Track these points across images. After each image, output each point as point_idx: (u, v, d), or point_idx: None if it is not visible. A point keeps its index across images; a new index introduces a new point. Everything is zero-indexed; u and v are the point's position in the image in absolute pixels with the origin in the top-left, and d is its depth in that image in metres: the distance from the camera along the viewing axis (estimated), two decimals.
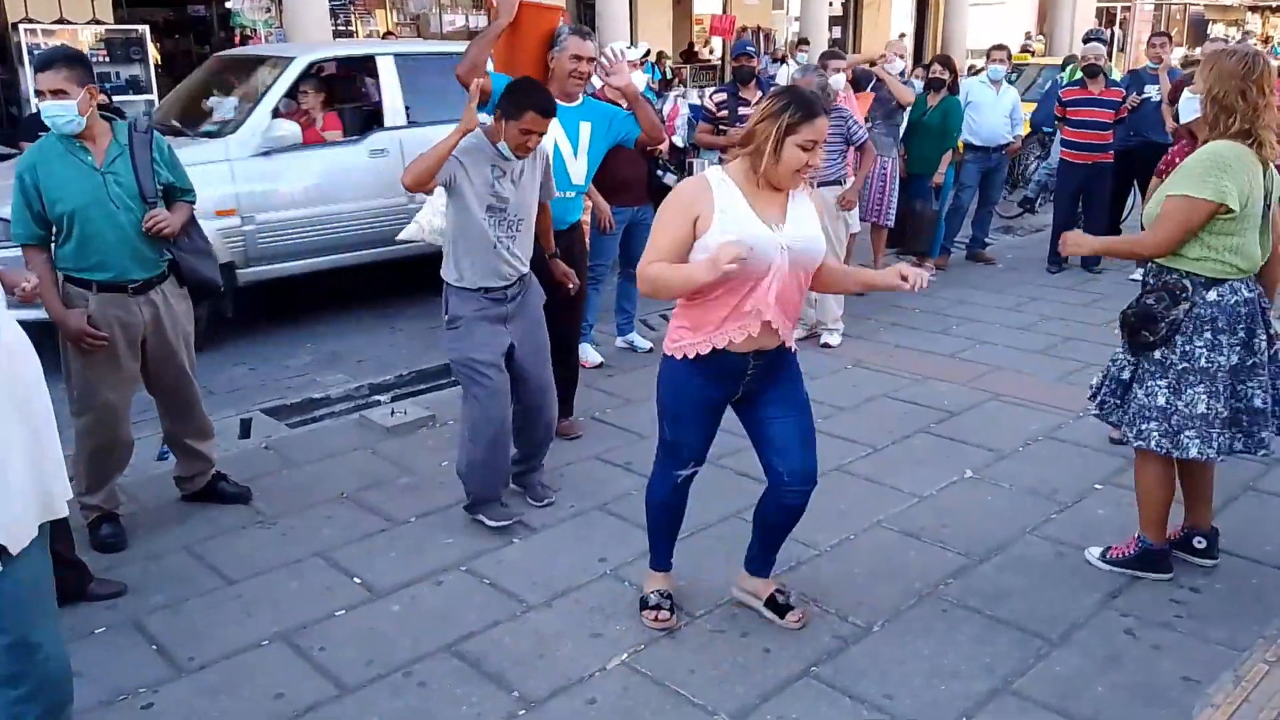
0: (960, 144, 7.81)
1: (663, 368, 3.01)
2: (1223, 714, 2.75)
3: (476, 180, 3.59)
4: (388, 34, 13.59)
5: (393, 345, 6.26)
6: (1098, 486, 4.11)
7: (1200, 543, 3.50)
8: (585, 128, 4.35)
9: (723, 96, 6.67)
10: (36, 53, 3.70)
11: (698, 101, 7.94)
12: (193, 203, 3.83)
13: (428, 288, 7.44)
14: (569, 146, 4.32)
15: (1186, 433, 3.17)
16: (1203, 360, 3.13)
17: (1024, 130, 8.73)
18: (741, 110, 6.45)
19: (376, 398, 5.33)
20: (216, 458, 4.09)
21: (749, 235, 2.71)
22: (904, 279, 2.81)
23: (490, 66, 4.17)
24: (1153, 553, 3.41)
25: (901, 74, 7.55)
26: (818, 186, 6.01)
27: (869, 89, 7.43)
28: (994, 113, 7.83)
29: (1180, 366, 3.16)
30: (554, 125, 4.14)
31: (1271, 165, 3.14)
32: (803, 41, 10.50)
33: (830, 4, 18.76)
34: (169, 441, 4.02)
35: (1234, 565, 3.52)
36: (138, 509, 3.99)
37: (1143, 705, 2.79)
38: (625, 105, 4.37)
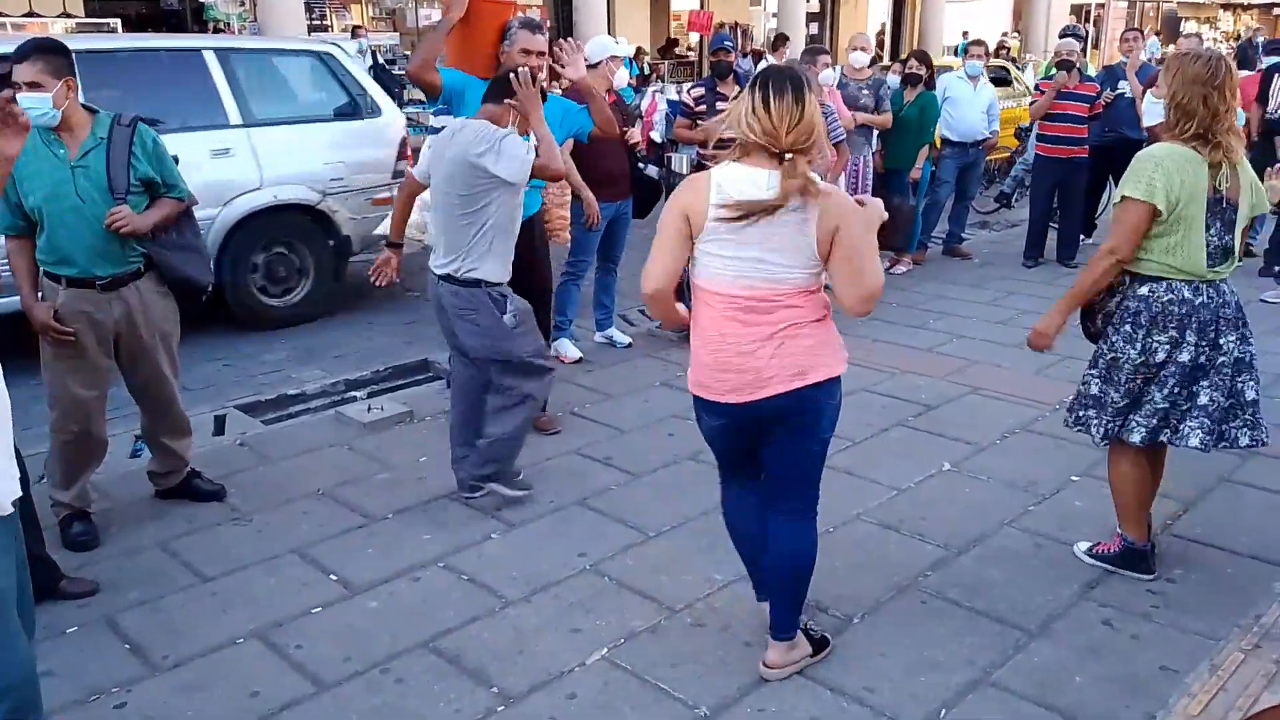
0: (937, 139, 7.83)
1: (838, 395, 2.83)
2: (1199, 703, 2.76)
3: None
4: (357, 28, 13.48)
5: (369, 341, 6.21)
6: (1075, 479, 4.13)
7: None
8: None
9: (700, 91, 6.65)
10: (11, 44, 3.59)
11: (675, 97, 7.93)
12: (181, 199, 3.69)
13: (410, 284, 7.41)
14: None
15: (1097, 419, 3.32)
16: (1117, 352, 3.25)
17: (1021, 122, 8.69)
18: (719, 105, 6.43)
19: (353, 394, 5.29)
20: (190, 455, 4.04)
21: None
22: None
23: (443, 61, 4.22)
24: (1133, 551, 3.43)
25: (875, 64, 7.51)
26: None
27: (836, 87, 7.42)
28: (971, 108, 7.86)
29: (1108, 357, 3.29)
30: None
31: (1236, 168, 3.16)
32: (781, 38, 10.43)
33: (808, 0, 18.78)
34: (145, 438, 3.97)
35: (1210, 556, 3.55)
36: (111, 505, 3.94)
37: (1121, 695, 2.81)
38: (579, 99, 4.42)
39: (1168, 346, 3.18)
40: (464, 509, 3.92)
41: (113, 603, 3.29)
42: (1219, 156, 3.10)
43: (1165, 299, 3.17)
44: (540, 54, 4.23)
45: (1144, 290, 3.21)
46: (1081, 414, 3.39)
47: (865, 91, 7.26)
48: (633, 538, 3.64)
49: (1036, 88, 8.21)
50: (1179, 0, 30.79)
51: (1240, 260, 3.31)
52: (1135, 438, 3.27)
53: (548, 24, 14.90)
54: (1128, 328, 3.23)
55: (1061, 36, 8.32)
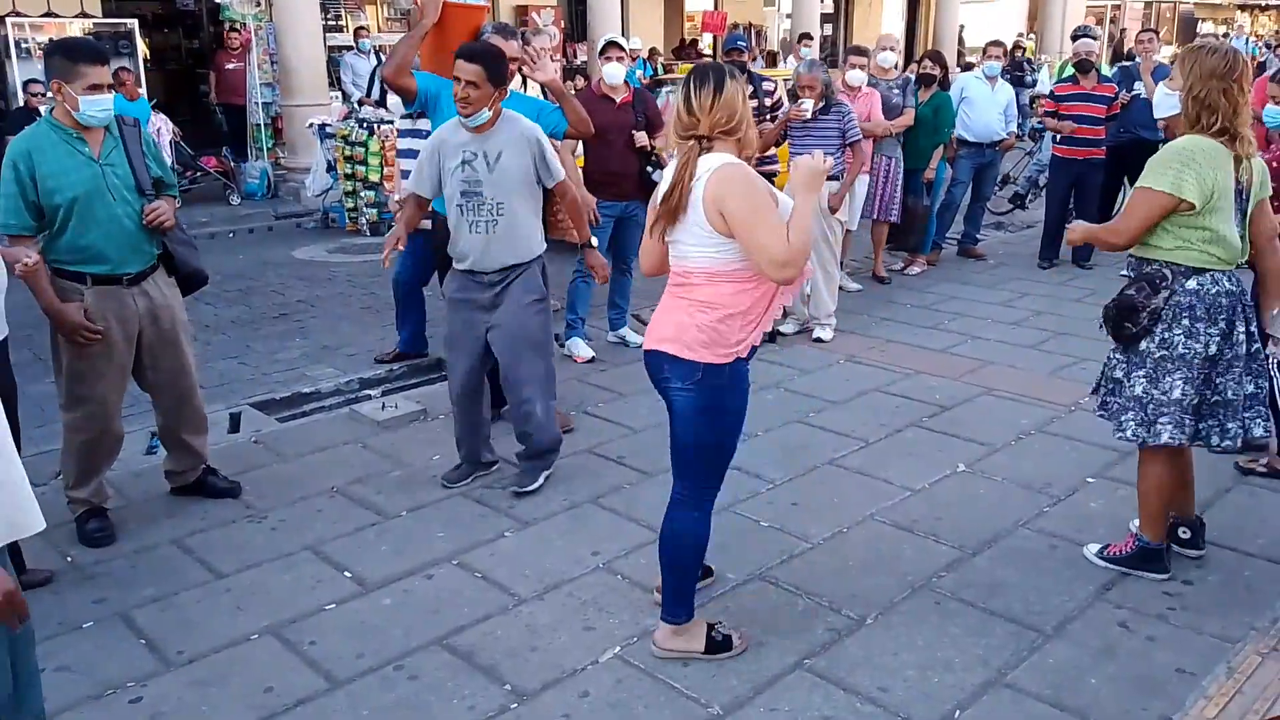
0: (953, 139, 7.80)
1: (730, 381, 2.77)
2: (1216, 705, 2.74)
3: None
4: (360, 29, 13.48)
5: (383, 339, 6.22)
6: (1090, 480, 4.11)
7: (1185, 533, 3.51)
8: None
9: None
10: (76, 43, 3.67)
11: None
12: (175, 196, 3.81)
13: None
14: None
15: (1161, 420, 3.19)
16: (1180, 348, 3.15)
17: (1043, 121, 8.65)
18: None
19: (367, 392, 5.31)
20: (207, 453, 4.06)
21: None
22: None
23: (418, 66, 4.29)
24: (1150, 550, 3.40)
25: (897, 68, 7.48)
26: None
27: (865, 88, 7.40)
28: (989, 108, 7.83)
29: (1158, 355, 3.19)
30: None
31: (1250, 160, 3.16)
32: (805, 37, 10.34)
33: (822, 1, 18.74)
34: (162, 436, 3.99)
35: (1225, 558, 3.52)
36: (126, 503, 3.96)
37: (1137, 697, 2.79)
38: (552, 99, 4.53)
39: (1218, 339, 3.14)
40: (477, 507, 3.93)
41: (128, 599, 3.31)
42: (1243, 150, 3.10)
43: (1213, 290, 3.13)
44: (512, 59, 4.25)
45: (1193, 284, 3.13)
46: (1123, 419, 3.29)
47: (896, 91, 7.23)
48: (646, 536, 3.63)
49: (1050, 93, 8.15)
50: (1195, 1, 30.59)
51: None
52: (1168, 435, 3.18)
53: (561, 24, 14.85)
54: (1186, 322, 3.13)
55: (1074, 39, 8.26)
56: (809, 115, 5.88)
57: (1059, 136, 7.85)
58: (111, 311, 3.53)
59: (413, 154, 4.85)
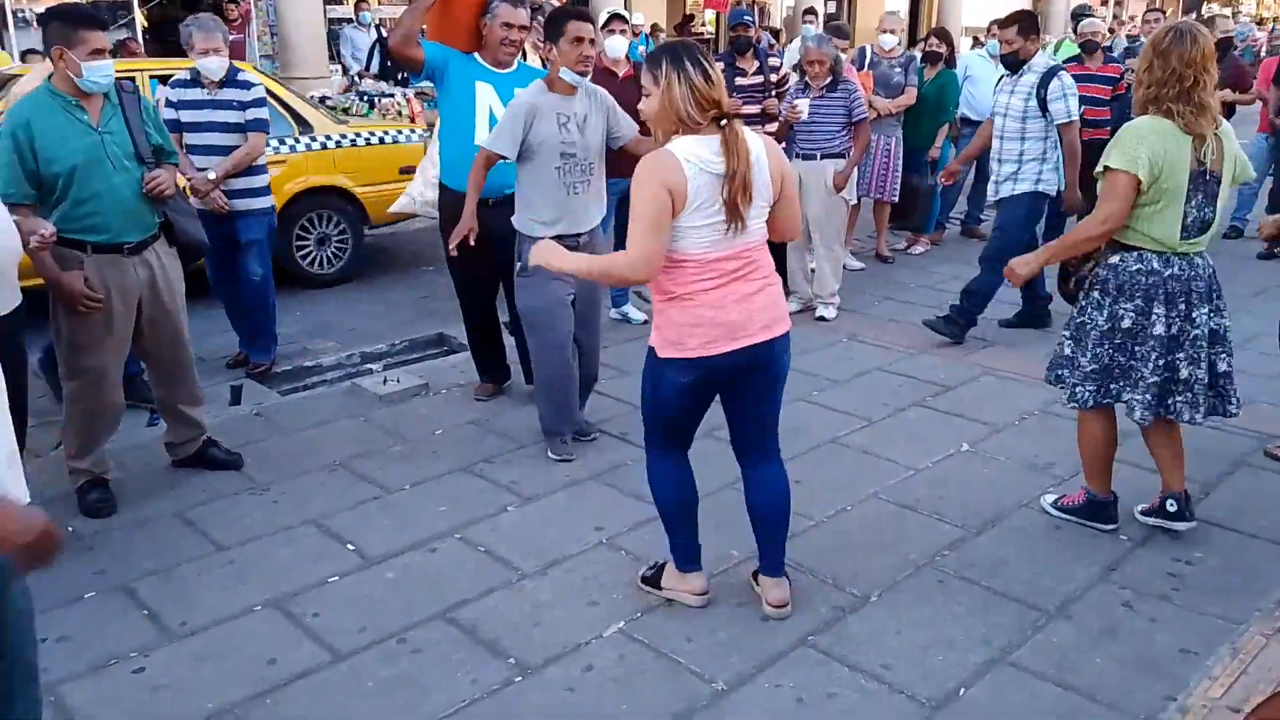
0: (958, 118, 7.74)
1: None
2: (1221, 686, 2.74)
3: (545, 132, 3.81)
4: (360, 2, 13.36)
5: (385, 314, 6.20)
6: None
7: (1172, 505, 3.54)
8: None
9: (720, 66, 6.59)
10: (74, 9, 3.66)
11: None
12: (176, 165, 3.79)
13: (421, 259, 7.41)
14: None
15: (1072, 381, 3.43)
16: (1086, 316, 3.37)
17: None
18: (738, 80, 6.38)
19: (368, 366, 5.29)
20: (208, 424, 4.04)
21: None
22: None
23: (424, 36, 4.28)
24: (1096, 503, 3.57)
25: (904, 51, 7.42)
26: (821, 159, 5.95)
27: (867, 67, 7.35)
28: (992, 87, 7.75)
29: (1077, 320, 3.42)
30: (489, 92, 4.24)
31: (1220, 138, 3.20)
32: (809, 12, 10.20)
33: None
34: (160, 407, 3.97)
35: (1228, 539, 3.52)
36: (127, 475, 3.94)
37: (1140, 677, 2.79)
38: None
39: (1133, 314, 3.26)
40: (479, 481, 3.92)
41: (129, 571, 3.30)
42: (1199, 127, 3.14)
43: (1133, 269, 3.25)
44: (522, 28, 4.23)
45: (1114, 259, 3.29)
46: (1059, 372, 3.53)
47: (898, 70, 7.18)
48: (648, 512, 3.61)
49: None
50: None
51: (1219, 237, 3.35)
52: (1136, 414, 3.34)
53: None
54: (1096, 294, 3.34)
55: (1075, 18, 8.19)
56: (805, 116, 5.81)
57: None
58: (112, 281, 3.50)
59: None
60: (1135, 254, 3.25)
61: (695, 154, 2.61)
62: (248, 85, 4.85)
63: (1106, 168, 3.19)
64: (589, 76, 3.95)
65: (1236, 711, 2.60)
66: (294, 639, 2.95)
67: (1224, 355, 3.36)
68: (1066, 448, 4.21)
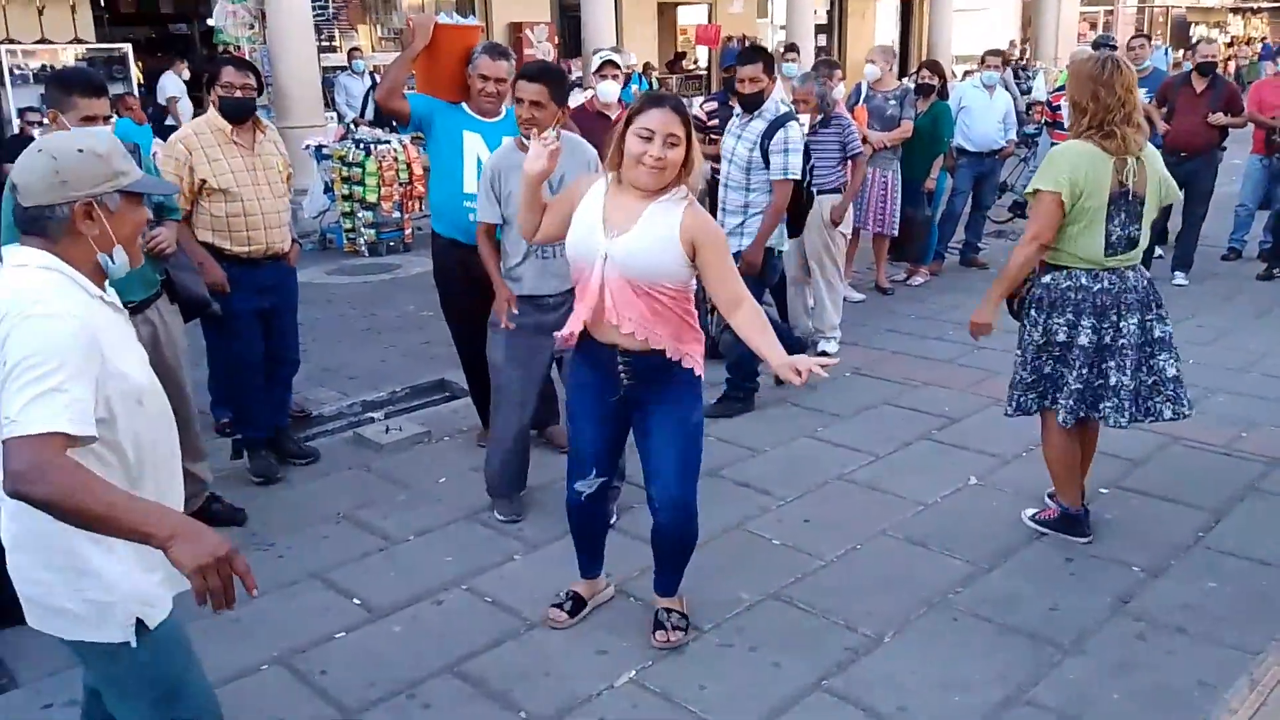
0: (953, 149, 7.79)
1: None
2: (1241, 718, 2.71)
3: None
4: (354, 50, 13.49)
5: (384, 361, 6.19)
6: (1103, 491, 4.07)
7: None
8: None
9: (713, 105, 6.65)
10: (73, 74, 3.69)
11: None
12: (179, 221, 3.79)
13: (423, 304, 7.41)
14: None
15: (1013, 395, 3.65)
16: (1024, 334, 3.58)
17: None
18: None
19: (370, 415, 5.27)
20: (210, 479, 4.02)
21: (575, 235, 2.86)
22: (796, 373, 2.64)
23: (411, 88, 4.30)
24: (1069, 516, 3.68)
25: (900, 85, 7.47)
26: (817, 194, 5.96)
27: (862, 102, 7.40)
28: (987, 117, 7.82)
29: (1020, 339, 3.62)
30: (477, 140, 4.21)
31: (1140, 159, 3.35)
32: (790, 49, 10.25)
33: (815, 12, 18.79)
34: None
35: (1240, 567, 3.49)
36: None
37: (1160, 711, 2.75)
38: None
39: (1065, 328, 3.45)
40: (485, 530, 3.90)
41: None
42: (1119, 149, 3.29)
43: (1064, 285, 3.44)
44: (499, 80, 4.19)
45: (1046, 278, 3.49)
46: (1009, 393, 3.69)
47: (893, 103, 7.22)
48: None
49: (1048, 102, 8.15)
50: (1188, 5, 30.73)
51: (1155, 252, 3.49)
52: (1059, 417, 3.51)
53: (555, 40, 14.84)
54: (1033, 312, 3.54)
55: (1095, 47, 8.26)
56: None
57: (1056, 143, 7.85)
58: None
59: None
60: (1065, 272, 3.44)
61: None
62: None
63: (1035, 189, 3.38)
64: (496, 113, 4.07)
65: None
66: (303, 697, 2.91)
67: (1171, 360, 3.49)
68: None
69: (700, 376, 2.95)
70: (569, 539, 3.78)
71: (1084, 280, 3.42)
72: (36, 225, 1.88)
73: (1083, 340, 3.42)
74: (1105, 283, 3.42)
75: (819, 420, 4.93)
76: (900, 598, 3.33)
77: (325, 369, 6.12)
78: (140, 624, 1.95)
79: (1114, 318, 3.42)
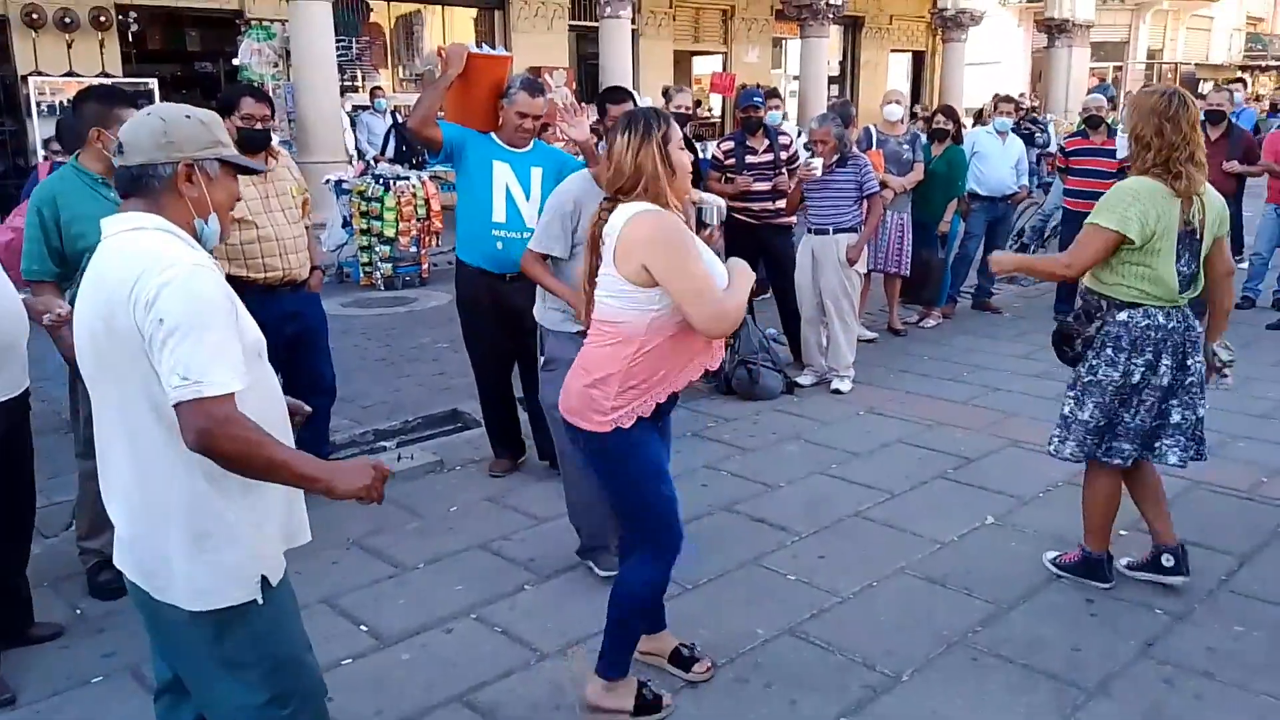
0: (966, 193, 7.81)
1: (611, 448, 2.67)
2: None
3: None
4: (376, 89, 13.65)
5: (398, 391, 6.18)
6: (1123, 533, 3.99)
7: (1168, 560, 3.53)
8: (536, 172, 4.33)
9: (730, 145, 6.69)
10: (108, 89, 3.73)
11: (704, 155, 7.90)
12: None
13: (439, 336, 7.41)
14: (520, 191, 4.31)
15: (1070, 438, 3.46)
16: (1099, 374, 3.37)
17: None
18: (748, 159, 6.46)
19: (382, 443, 5.24)
20: None
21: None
22: None
23: (443, 116, 4.28)
24: (1091, 560, 3.59)
25: (904, 122, 7.53)
26: (833, 233, 5.97)
27: (876, 146, 7.44)
28: (1000, 163, 7.86)
29: (1086, 379, 3.41)
30: (506, 170, 4.23)
31: (1202, 198, 3.26)
32: (772, 94, 9.84)
33: (829, 63, 18.99)
34: None
35: (1268, 613, 3.42)
36: None
37: None
38: (579, 154, 4.43)
39: (1143, 369, 3.31)
40: (495, 559, 3.84)
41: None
42: (1185, 188, 3.21)
43: (1143, 324, 3.31)
44: (536, 118, 4.24)
45: (1123, 316, 3.32)
46: (1052, 433, 3.55)
47: (905, 146, 7.26)
48: (671, 590, 3.49)
49: (1060, 149, 8.20)
50: (1197, 62, 30.98)
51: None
52: (1117, 461, 3.41)
53: (573, 85, 15.00)
54: (1109, 351, 3.35)
55: (1091, 93, 8.35)
56: (819, 174, 5.87)
57: (1069, 189, 7.88)
58: None
59: None
60: (1141, 310, 3.32)
61: None
62: None
63: (1094, 223, 3.25)
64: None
65: None
66: None
67: (1203, 401, 3.44)
68: None
69: None
70: (580, 569, 3.75)
71: (1159, 319, 3.31)
72: (139, 185, 1.96)
73: (1164, 380, 3.32)
74: (1175, 320, 3.33)
75: (834, 457, 4.88)
76: (919, 636, 3.26)
77: (339, 398, 6.06)
78: (264, 583, 1.99)
79: (1181, 356, 3.34)
